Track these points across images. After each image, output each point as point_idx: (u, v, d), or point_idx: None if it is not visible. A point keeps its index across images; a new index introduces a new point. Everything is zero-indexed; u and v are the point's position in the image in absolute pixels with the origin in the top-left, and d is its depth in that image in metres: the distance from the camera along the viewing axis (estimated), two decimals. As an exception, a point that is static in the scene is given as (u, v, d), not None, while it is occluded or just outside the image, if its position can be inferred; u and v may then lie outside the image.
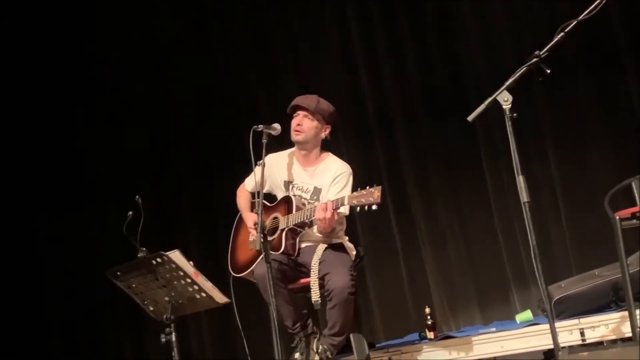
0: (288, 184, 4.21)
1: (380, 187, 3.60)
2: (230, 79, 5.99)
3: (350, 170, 4.13)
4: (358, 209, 3.69)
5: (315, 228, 4.08)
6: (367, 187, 3.64)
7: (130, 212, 3.87)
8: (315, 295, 3.85)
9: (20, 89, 6.04)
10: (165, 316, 3.64)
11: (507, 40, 5.33)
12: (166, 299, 3.67)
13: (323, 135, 4.18)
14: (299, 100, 4.17)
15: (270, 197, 4.27)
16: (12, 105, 6.03)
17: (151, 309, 3.79)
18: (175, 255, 3.56)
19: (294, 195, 4.12)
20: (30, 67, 6.04)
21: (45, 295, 5.97)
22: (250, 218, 4.18)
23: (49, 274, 5.99)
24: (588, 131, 5.17)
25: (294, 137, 4.13)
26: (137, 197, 3.89)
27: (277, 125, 3.98)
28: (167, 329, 3.62)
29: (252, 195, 4.32)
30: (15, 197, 5.96)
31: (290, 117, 4.18)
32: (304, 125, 4.11)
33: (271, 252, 3.65)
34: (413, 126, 5.59)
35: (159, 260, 3.57)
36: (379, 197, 3.58)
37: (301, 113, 4.14)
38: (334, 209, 3.79)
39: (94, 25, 6.07)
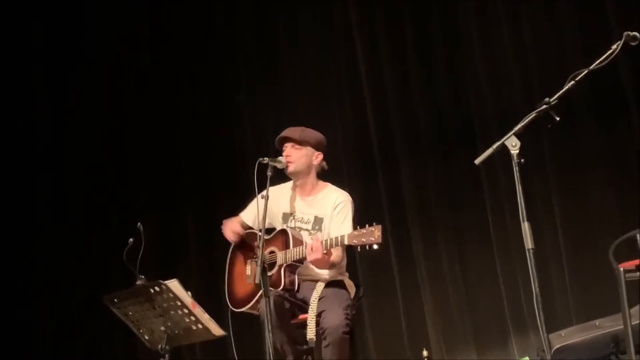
0: (288, 215, 4.18)
1: (380, 227, 3.56)
2: (236, 111, 6.01)
3: (350, 199, 4.11)
4: (359, 248, 3.66)
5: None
6: (367, 226, 3.60)
7: (131, 239, 3.86)
8: (310, 333, 3.80)
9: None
10: (160, 346, 3.60)
11: (515, 79, 5.34)
12: (162, 328, 3.63)
13: (316, 162, 4.16)
14: (284, 132, 4.18)
15: (268, 229, 4.23)
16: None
17: (146, 337, 3.75)
18: (174, 285, 3.53)
19: (293, 228, 4.09)
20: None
21: (38, 321, 5.92)
22: (229, 226, 4.18)
23: (44, 299, 5.95)
24: (592, 179, 5.17)
25: (287, 169, 4.11)
26: (139, 224, 3.87)
27: (282, 159, 4.04)
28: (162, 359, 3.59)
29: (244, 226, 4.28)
30: (13, 218, 5.94)
31: (281, 152, 4.17)
32: (292, 155, 4.10)
33: (271, 288, 3.61)
34: (417, 164, 5.59)
35: (157, 289, 3.54)
36: (379, 237, 3.54)
37: (288, 145, 4.14)
38: (328, 248, 3.76)
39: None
